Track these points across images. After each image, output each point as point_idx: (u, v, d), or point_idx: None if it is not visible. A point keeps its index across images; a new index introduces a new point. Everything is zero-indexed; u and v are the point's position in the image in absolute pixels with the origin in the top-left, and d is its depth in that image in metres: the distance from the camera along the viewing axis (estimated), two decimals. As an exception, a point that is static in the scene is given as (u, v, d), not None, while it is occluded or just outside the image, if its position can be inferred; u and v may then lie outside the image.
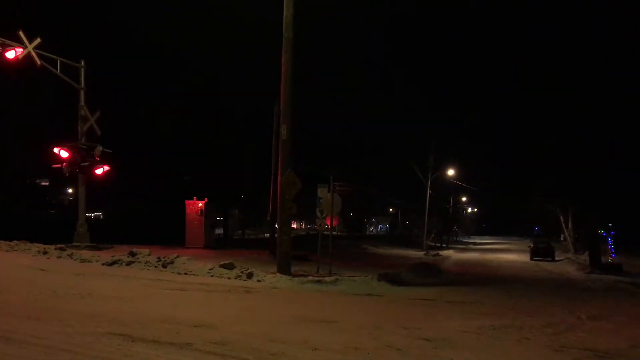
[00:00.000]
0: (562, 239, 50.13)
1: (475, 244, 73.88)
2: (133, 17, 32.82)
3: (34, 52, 18.24)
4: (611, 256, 30.44)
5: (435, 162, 44.59)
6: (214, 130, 33.38)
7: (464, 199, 74.32)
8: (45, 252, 16.09)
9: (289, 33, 14.62)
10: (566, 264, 32.73)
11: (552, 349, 6.75)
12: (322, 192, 16.66)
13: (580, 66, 27.94)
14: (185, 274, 13.43)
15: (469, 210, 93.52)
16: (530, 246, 41.22)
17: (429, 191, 44.47)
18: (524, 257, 39.31)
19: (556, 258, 37.34)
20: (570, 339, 7.46)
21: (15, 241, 17.57)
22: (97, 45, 27.92)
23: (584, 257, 32.43)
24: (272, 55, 16.37)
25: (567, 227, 44.47)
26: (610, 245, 31.32)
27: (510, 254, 45.71)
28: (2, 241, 17.51)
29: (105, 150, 20.27)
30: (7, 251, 16.47)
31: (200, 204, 24.09)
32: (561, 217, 43.92)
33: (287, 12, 14.62)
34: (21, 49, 17.80)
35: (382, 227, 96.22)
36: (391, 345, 6.36)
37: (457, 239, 76.87)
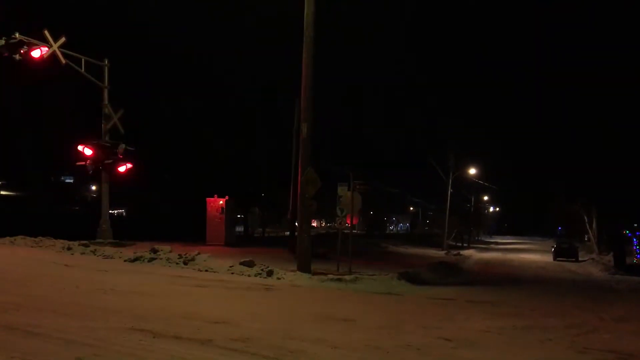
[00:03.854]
0: (586, 239, 49.38)
1: (497, 243, 73.16)
2: (154, 17, 33.09)
3: (59, 50, 18.50)
4: (636, 257, 29.95)
5: (455, 160, 44.25)
6: (235, 128, 33.56)
7: (485, 198, 73.56)
8: (69, 248, 16.34)
9: (310, 32, 14.62)
10: (590, 265, 32.26)
11: (575, 351, 6.65)
12: (343, 191, 16.66)
13: (601, 63, 27.51)
14: (206, 271, 13.52)
15: (491, 209, 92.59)
16: (553, 246, 40.72)
17: (449, 190, 44.15)
18: (547, 258, 38.85)
19: (580, 258, 36.83)
20: (594, 341, 7.34)
21: (40, 237, 17.88)
22: (120, 44, 28.20)
23: (608, 258, 31.94)
24: (292, 53, 16.38)
25: (591, 227, 43.77)
26: (635, 246, 30.81)
27: (532, 254, 45.21)
28: (27, 237, 17.82)
29: (128, 148, 20.49)
30: (32, 247, 16.76)
31: (221, 202, 24.22)
32: (585, 217, 43.26)
33: (308, 10, 14.62)
34: (46, 48, 18.07)
35: (402, 226, 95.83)
36: (411, 345, 6.32)
37: (478, 238, 76.11)
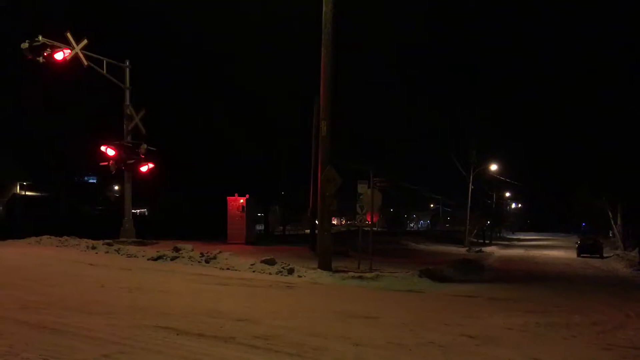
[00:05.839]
0: (610, 235, 48.62)
1: (519, 240, 72.35)
2: (175, 18, 33.26)
3: (81, 53, 18.75)
4: (662, 253, 29.37)
5: (477, 157, 43.90)
6: (254, 127, 33.71)
7: (507, 194, 72.80)
8: (93, 247, 16.60)
9: (329, 29, 14.63)
10: (615, 261, 31.77)
11: (600, 347, 6.57)
12: (362, 188, 16.66)
13: (627, 55, 27.08)
14: (228, 269, 13.63)
15: (513, 206, 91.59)
16: (577, 243, 40.19)
17: (470, 186, 43.83)
18: (571, 254, 38.34)
19: (604, 255, 36.27)
20: (619, 337, 7.24)
21: (65, 237, 18.19)
22: (142, 45, 28.48)
23: (634, 254, 31.43)
24: (312, 51, 16.39)
25: (615, 223, 43.11)
26: (662, 242, 30.24)
27: (556, 251, 44.64)
28: (52, 237, 18.15)
29: (149, 148, 20.71)
30: (57, 246, 17.05)
31: (241, 200, 24.36)
32: (609, 213, 42.59)
33: (326, 7, 14.65)
34: (69, 50, 18.33)
35: (423, 223, 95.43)
36: (433, 342, 6.30)
37: (500, 235, 75.32)
